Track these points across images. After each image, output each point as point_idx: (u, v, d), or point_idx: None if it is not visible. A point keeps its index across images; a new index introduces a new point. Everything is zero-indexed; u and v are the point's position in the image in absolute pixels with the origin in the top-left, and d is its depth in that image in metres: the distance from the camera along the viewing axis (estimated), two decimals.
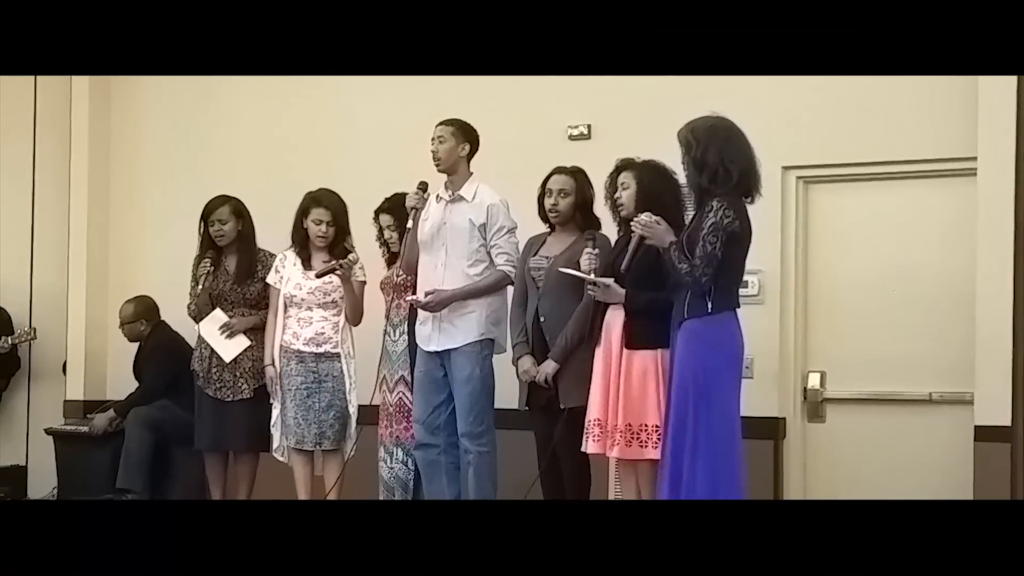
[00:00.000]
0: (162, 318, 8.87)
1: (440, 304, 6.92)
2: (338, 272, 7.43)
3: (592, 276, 6.44)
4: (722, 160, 5.84)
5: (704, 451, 5.74)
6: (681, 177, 6.22)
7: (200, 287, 7.79)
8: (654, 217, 6.08)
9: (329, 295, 7.54)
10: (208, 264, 7.82)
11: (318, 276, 7.48)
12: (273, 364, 7.55)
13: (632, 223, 6.19)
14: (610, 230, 6.88)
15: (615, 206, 6.61)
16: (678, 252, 5.87)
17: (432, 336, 7.01)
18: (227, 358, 7.72)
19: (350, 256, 7.48)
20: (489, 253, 6.99)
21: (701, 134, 5.91)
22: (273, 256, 7.78)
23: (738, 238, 5.82)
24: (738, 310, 5.99)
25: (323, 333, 7.53)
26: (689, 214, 6.31)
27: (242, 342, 7.76)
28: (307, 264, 7.57)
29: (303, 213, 7.61)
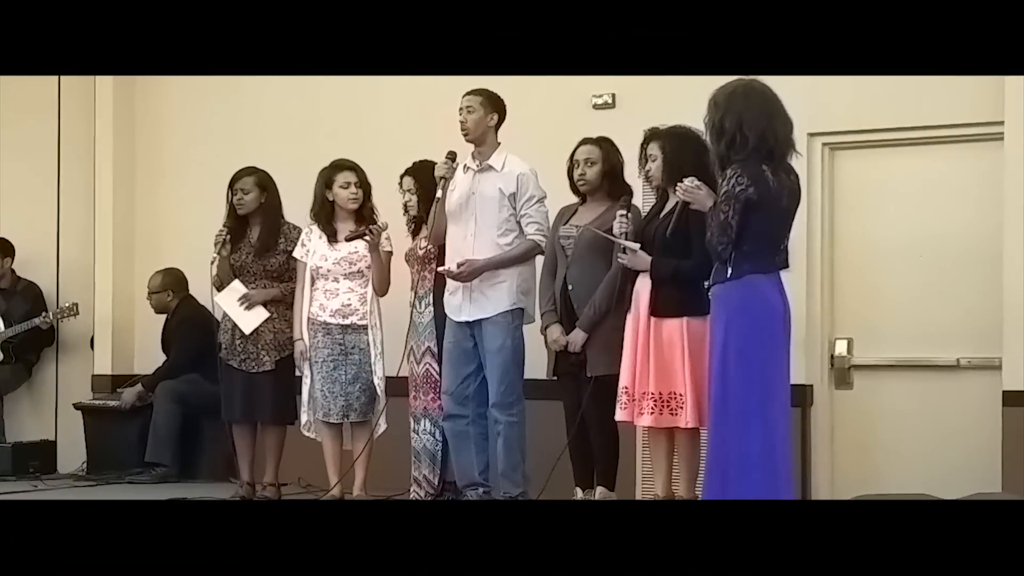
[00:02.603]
0: (190, 292, 8.91)
1: (472, 274, 6.91)
2: (367, 238, 7.42)
3: (623, 239, 6.45)
4: (740, 126, 5.76)
5: (736, 414, 5.72)
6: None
7: (216, 255, 7.80)
8: (696, 182, 6.06)
9: (355, 265, 7.54)
10: (224, 232, 7.82)
11: (348, 240, 7.47)
12: (302, 339, 7.55)
13: (676, 188, 6.18)
14: (640, 199, 6.89)
15: (647, 177, 6.63)
16: (710, 219, 5.85)
17: (463, 306, 7.01)
18: (247, 330, 7.71)
19: (380, 222, 7.48)
20: (519, 223, 6.98)
21: (722, 99, 5.86)
22: (299, 229, 7.77)
23: (755, 204, 5.74)
24: (772, 273, 5.88)
25: (349, 304, 7.54)
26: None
27: (261, 314, 7.74)
28: (332, 237, 7.56)
29: (326, 184, 7.60)
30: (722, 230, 5.75)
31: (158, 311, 9.03)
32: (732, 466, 5.73)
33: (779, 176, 5.82)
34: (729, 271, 5.79)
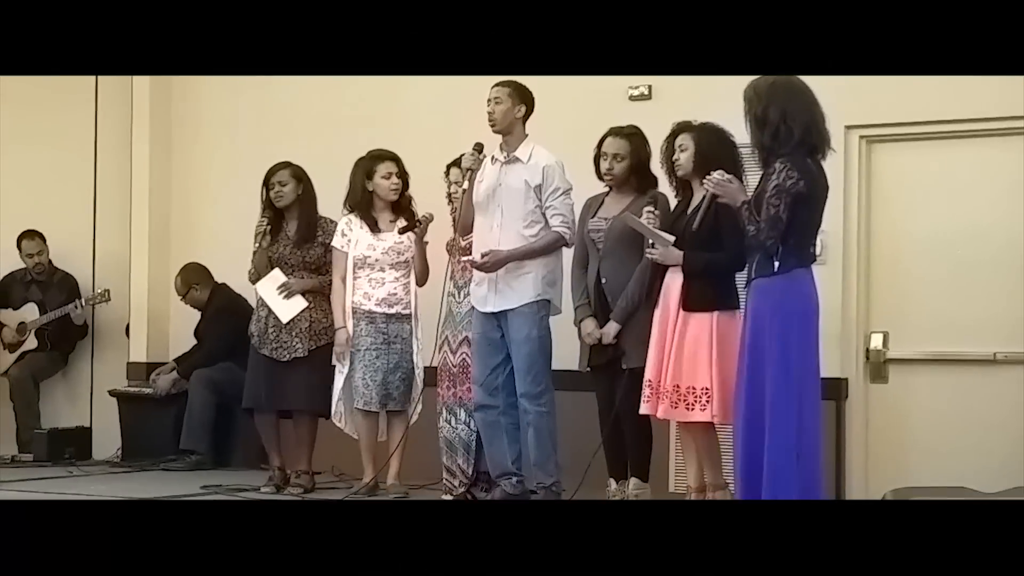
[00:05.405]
0: (217, 280, 8.98)
1: (496, 265, 6.92)
2: (417, 230, 7.46)
3: (656, 230, 6.43)
4: (783, 117, 5.76)
5: (775, 410, 5.69)
6: (740, 137, 6.19)
7: (256, 246, 7.81)
8: (727, 175, 6.04)
9: (402, 255, 7.57)
10: (264, 223, 7.84)
11: (401, 232, 7.51)
12: (345, 327, 7.54)
13: (705, 181, 6.17)
14: (666, 191, 6.86)
15: (673, 169, 6.61)
16: (748, 213, 5.83)
17: (488, 297, 7.02)
18: (284, 319, 7.73)
19: (429, 213, 7.50)
20: (544, 214, 6.99)
21: (763, 91, 5.85)
22: (333, 223, 7.78)
23: (804, 199, 5.74)
24: (813, 267, 5.89)
25: (395, 294, 7.56)
26: (748, 175, 6.29)
27: (299, 303, 7.75)
28: (373, 227, 7.58)
29: (367, 174, 7.61)
30: (772, 224, 5.72)
31: (196, 307, 9.10)
32: (768, 461, 5.71)
33: (818, 172, 5.83)
34: (776, 265, 5.78)
